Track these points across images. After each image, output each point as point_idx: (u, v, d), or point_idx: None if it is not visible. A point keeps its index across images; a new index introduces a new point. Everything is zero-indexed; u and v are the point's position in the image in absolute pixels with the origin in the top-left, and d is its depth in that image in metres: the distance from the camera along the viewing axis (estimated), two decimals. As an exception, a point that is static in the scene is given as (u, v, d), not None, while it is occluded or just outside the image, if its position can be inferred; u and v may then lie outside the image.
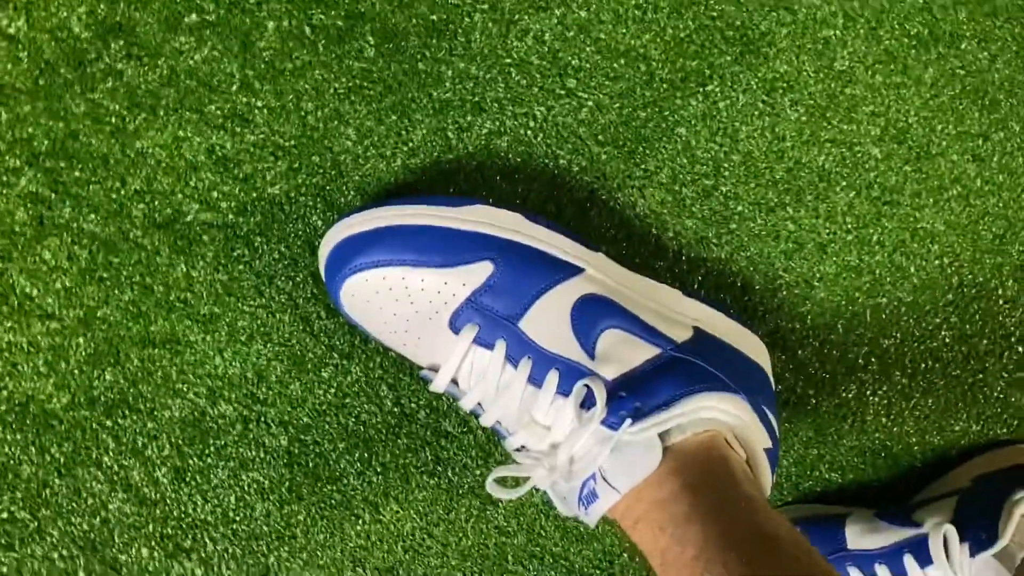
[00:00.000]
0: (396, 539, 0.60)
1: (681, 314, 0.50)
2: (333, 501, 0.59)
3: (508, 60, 0.54)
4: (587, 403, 0.45)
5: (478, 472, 0.59)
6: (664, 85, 0.55)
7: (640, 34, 0.54)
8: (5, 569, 0.56)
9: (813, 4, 0.55)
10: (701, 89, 0.55)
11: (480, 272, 0.46)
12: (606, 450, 0.43)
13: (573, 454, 0.44)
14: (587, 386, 0.44)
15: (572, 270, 0.48)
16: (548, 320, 0.46)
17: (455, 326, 0.47)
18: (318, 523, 0.59)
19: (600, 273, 0.49)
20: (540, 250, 0.48)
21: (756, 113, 0.56)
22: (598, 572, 0.62)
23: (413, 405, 0.58)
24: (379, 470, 0.59)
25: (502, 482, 0.46)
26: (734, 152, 0.57)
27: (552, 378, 0.45)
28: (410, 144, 0.54)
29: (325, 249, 0.49)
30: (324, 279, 0.50)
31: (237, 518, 0.58)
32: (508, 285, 0.47)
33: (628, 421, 0.43)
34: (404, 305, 0.47)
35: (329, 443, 0.58)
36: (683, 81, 0.55)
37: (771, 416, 0.49)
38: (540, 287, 0.47)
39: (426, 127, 0.54)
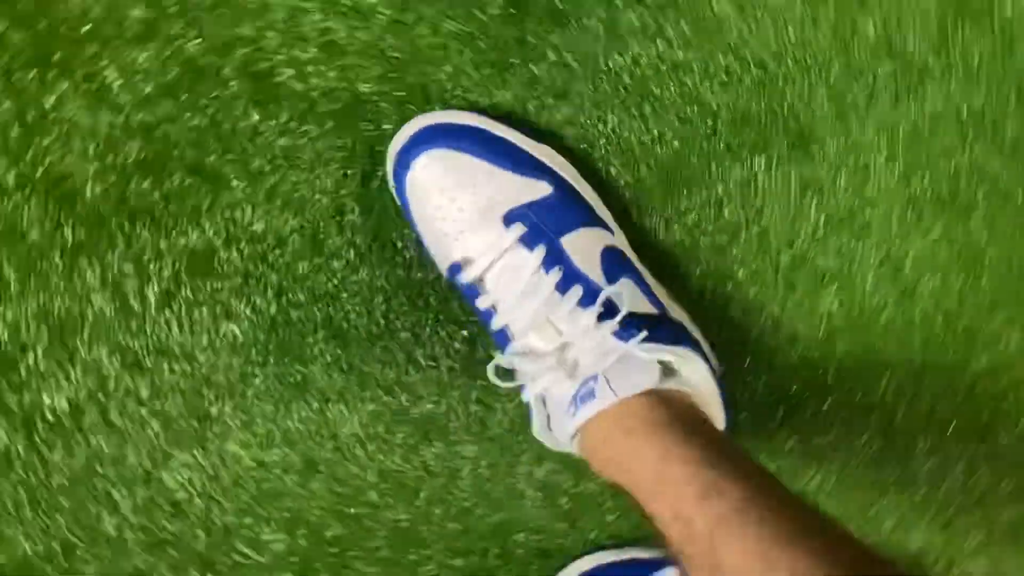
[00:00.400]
0: (331, 437, 0.63)
1: (673, 306, 0.57)
2: (291, 380, 0.62)
3: (604, 67, 0.60)
4: (602, 318, 0.50)
5: (428, 406, 0.63)
6: (721, 143, 0.62)
7: (720, 93, 0.61)
8: (-27, 317, 0.58)
9: (867, 131, 0.62)
10: (749, 160, 0.62)
11: (539, 189, 0.53)
12: (613, 358, 0.49)
13: (580, 355, 0.49)
14: (618, 293, 0.50)
15: (606, 226, 0.55)
16: (583, 248, 0.53)
17: (507, 221, 0.52)
18: (270, 393, 0.62)
19: (623, 243, 0.56)
20: (587, 200, 0.55)
21: (785, 200, 0.63)
22: (488, 543, 0.66)
23: (398, 324, 0.62)
24: (344, 369, 0.62)
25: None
26: (755, 224, 0.63)
27: (576, 290, 0.51)
28: (493, 100, 0.59)
29: (415, 126, 0.54)
30: (401, 150, 0.54)
31: (200, 359, 0.61)
32: (558, 208, 0.53)
33: (644, 333, 0.49)
34: (467, 191, 0.53)
35: (311, 327, 0.61)
36: (738, 147, 0.62)
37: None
38: (583, 221, 0.54)
39: (513, 92, 0.59)
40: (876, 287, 0.65)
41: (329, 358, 0.62)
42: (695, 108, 0.61)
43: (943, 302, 0.66)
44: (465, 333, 0.63)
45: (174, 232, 0.59)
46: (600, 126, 0.60)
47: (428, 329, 0.62)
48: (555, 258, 0.52)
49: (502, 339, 0.54)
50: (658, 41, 0.60)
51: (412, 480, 0.65)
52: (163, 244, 0.59)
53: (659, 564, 0.64)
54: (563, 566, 0.66)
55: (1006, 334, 0.66)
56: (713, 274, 0.63)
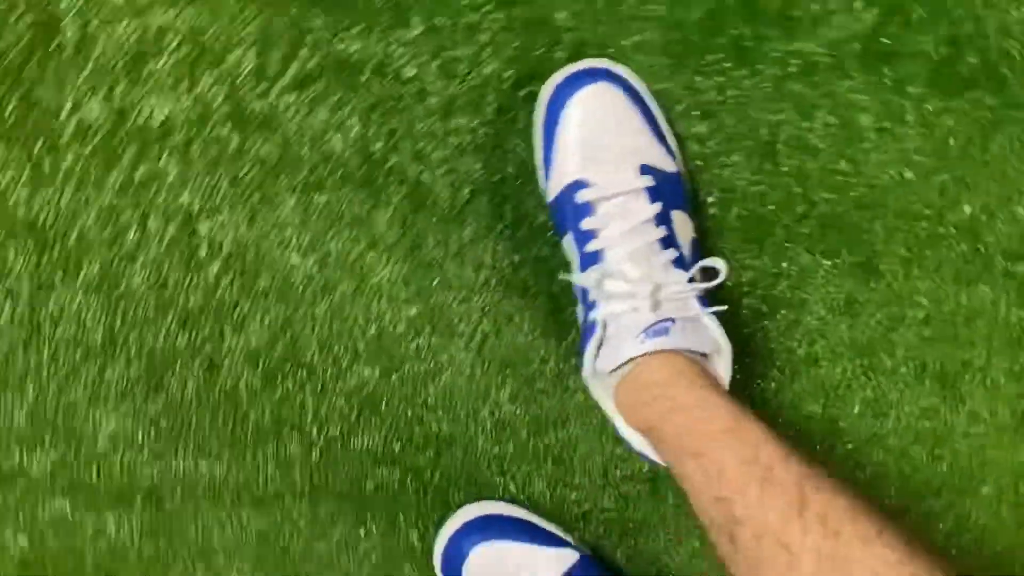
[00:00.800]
0: (358, 277, 0.67)
1: None
2: (356, 211, 0.66)
3: (751, 114, 0.66)
4: (690, 282, 0.57)
5: (450, 298, 0.67)
6: (805, 229, 0.68)
7: (826, 189, 0.67)
8: None
9: (920, 289, 0.69)
10: (820, 257, 0.68)
11: (669, 164, 0.62)
12: (689, 313, 0.55)
13: (665, 299, 0.55)
14: (712, 267, 0.56)
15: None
16: (682, 227, 0.60)
17: (642, 171, 0.59)
18: (332, 212, 0.66)
19: None
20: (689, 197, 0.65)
21: (828, 306, 0.69)
22: (430, 444, 0.69)
23: (470, 219, 0.66)
24: (403, 227, 0.66)
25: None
26: (794, 311, 0.69)
27: (673, 252, 0.57)
28: (654, 86, 0.65)
29: (603, 62, 0.62)
30: (584, 71, 0.61)
31: (294, 149, 0.65)
32: (676, 186, 0.62)
33: (724, 308, 0.56)
34: (622, 130, 0.60)
35: (399, 179, 0.66)
36: (816, 241, 0.68)
37: None
38: (688, 208, 0.62)
39: (671, 89, 0.65)
40: (858, 418, 0.71)
41: (397, 212, 0.66)
42: (801, 188, 0.67)
43: (902, 464, 0.71)
44: (516, 258, 0.67)
45: (341, 33, 0.64)
46: (721, 156, 0.67)
47: (491, 237, 0.67)
48: (665, 219, 0.58)
49: (590, 260, 0.59)
50: (806, 120, 0.66)
51: (400, 353, 0.68)
52: (325, 35, 0.64)
53: (561, 542, 0.67)
54: (478, 500, 0.69)
55: (938, 518, 0.72)
56: (737, 332, 0.69)
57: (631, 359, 0.55)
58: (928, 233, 0.68)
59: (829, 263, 0.69)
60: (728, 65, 0.66)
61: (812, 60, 0.66)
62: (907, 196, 0.68)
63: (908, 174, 0.68)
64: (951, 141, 0.67)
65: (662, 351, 0.54)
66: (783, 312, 0.69)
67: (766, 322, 0.69)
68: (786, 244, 0.68)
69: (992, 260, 0.69)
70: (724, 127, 0.66)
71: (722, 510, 0.46)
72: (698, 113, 0.66)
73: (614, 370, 0.56)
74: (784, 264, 0.68)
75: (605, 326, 0.56)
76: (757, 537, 0.43)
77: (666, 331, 0.54)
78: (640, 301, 0.55)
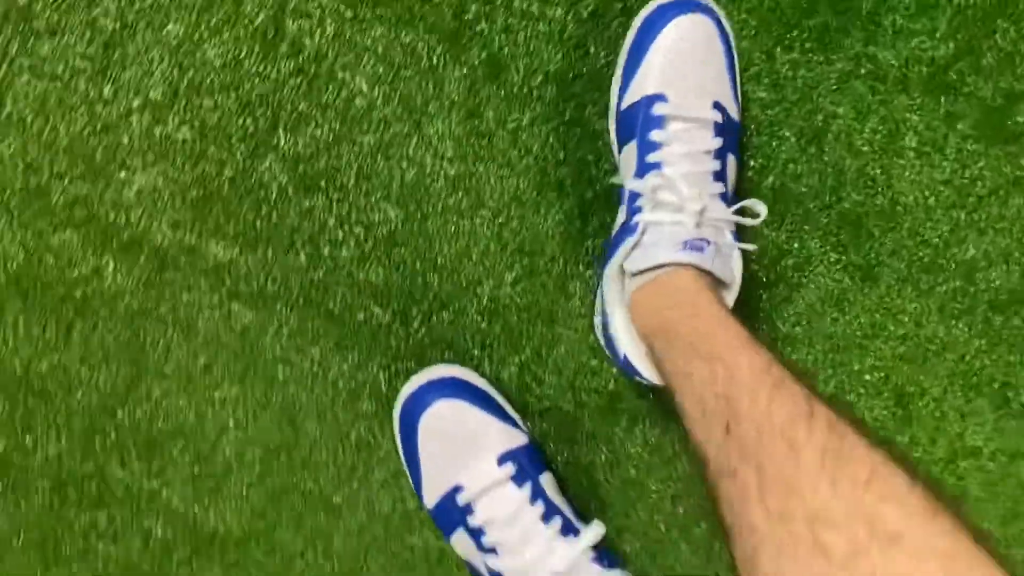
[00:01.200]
0: (415, 123, 0.70)
1: None
2: (432, 61, 0.69)
3: (813, 98, 0.71)
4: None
5: (491, 171, 0.71)
6: (825, 220, 0.72)
7: (856, 192, 0.72)
8: None
9: (907, 309, 0.74)
10: (828, 248, 0.73)
11: (736, 115, 0.67)
12: (724, 241, 0.61)
13: (708, 222, 0.60)
14: (748, 208, 0.61)
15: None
16: (731, 169, 0.66)
17: (714, 107, 0.64)
18: (415, 61, 0.69)
19: None
20: None
21: (816, 297, 0.73)
22: (429, 301, 0.72)
23: (534, 101, 0.70)
24: (470, 89, 0.70)
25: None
26: (788, 290, 0.73)
27: (721, 187, 0.63)
28: (742, 43, 0.69)
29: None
30: (673, 1, 0.65)
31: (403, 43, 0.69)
32: (735, 135, 0.67)
33: (752, 247, 0.62)
34: (707, 65, 0.65)
35: (481, 44, 0.70)
36: (831, 234, 0.72)
37: None
38: (737, 156, 0.67)
39: (750, 49, 0.70)
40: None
41: (470, 75, 0.70)
42: (835, 181, 0.72)
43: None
44: (562, 155, 0.71)
45: None
46: (773, 128, 0.71)
47: (546, 128, 0.71)
48: (722, 155, 0.64)
49: (648, 169, 0.63)
50: (859, 121, 0.71)
51: (428, 206, 0.71)
52: None
53: (515, 424, 0.70)
54: (456, 363, 0.72)
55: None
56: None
57: (663, 264, 0.59)
58: (930, 260, 0.73)
59: (835, 256, 0.73)
60: (808, 46, 0.70)
61: (882, 68, 0.71)
62: (923, 221, 0.73)
63: (931, 201, 0.73)
64: (978, 185, 0.73)
65: (693, 266, 0.59)
66: (779, 288, 0.74)
67: (761, 291, 0.74)
68: (804, 226, 0.73)
69: (977, 304, 0.74)
70: (785, 101, 0.71)
71: (723, 404, 0.49)
72: (767, 81, 0.70)
73: (638, 273, 0.60)
74: (795, 244, 0.73)
75: (645, 231, 0.61)
76: (759, 430, 0.45)
77: (701, 249, 0.58)
78: (686, 216, 0.59)
